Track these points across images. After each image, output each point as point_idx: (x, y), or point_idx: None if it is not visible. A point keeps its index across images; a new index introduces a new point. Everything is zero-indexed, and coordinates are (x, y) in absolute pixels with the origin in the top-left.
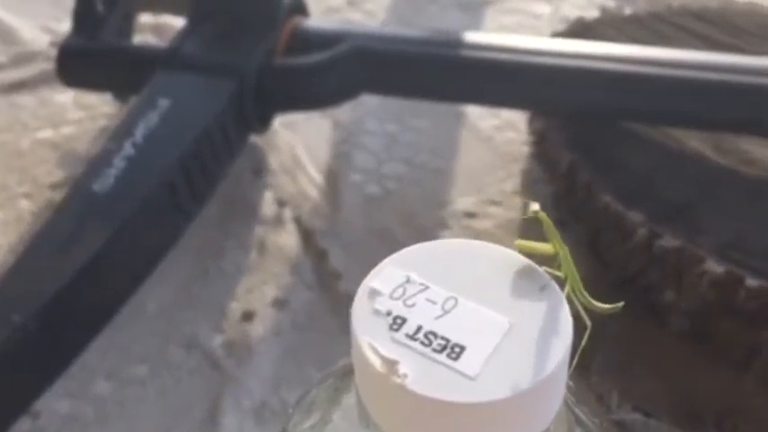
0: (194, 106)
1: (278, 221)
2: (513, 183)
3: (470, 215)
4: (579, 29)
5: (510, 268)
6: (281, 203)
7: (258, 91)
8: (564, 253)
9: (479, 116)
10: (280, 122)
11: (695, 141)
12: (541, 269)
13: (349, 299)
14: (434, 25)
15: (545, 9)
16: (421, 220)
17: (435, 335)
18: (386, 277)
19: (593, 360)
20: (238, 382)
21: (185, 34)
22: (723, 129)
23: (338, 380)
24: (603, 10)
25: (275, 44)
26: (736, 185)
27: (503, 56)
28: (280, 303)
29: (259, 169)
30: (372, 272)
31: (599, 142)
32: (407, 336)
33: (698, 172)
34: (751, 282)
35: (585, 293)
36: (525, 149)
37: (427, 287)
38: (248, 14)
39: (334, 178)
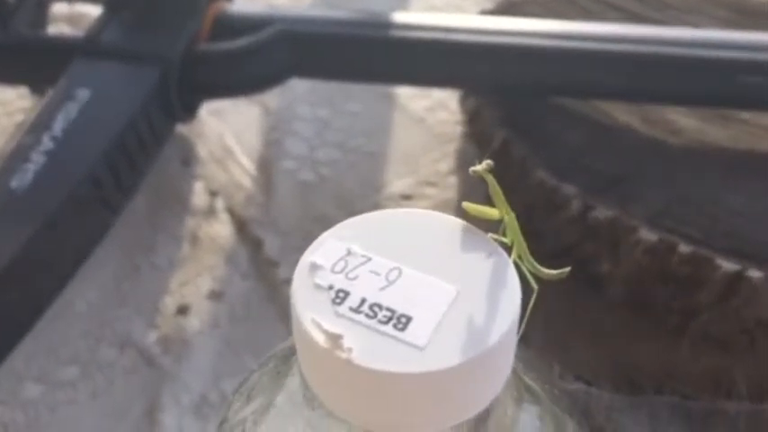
0: (116, 96)
1: (210, 212)
2: (447, 163)
3: (407, 197)
4: (506, 6)
5: (454, 236)
6: (213, 193)
7: (183, 78)
8: (510, 218)
9: (411, 97)
10: (206, 110)
11: (623, 114)
12: (487, 235)
13: (287, 287)
14: (362, 7)
15: None
16: (357, 205)
17: (380, 306)
18: (326, 251)
19: (532, 333)
20: (176, 378)
21: (103, 22)
22: (648, 100)
23: (280, 363)
24: None
25: (198, 30)
26: (664, 155)
27: (433, 35)
28: (216, 295)
29: (187, 159)
30: (311, 246)
31: (531, 118)
32: (351, 309)
33: (627, 144)
34: (683, 248)
35: (532, 259)
36: (458, 129)
37: (370, 259)
38: (167, 0)
39: (266, 166)
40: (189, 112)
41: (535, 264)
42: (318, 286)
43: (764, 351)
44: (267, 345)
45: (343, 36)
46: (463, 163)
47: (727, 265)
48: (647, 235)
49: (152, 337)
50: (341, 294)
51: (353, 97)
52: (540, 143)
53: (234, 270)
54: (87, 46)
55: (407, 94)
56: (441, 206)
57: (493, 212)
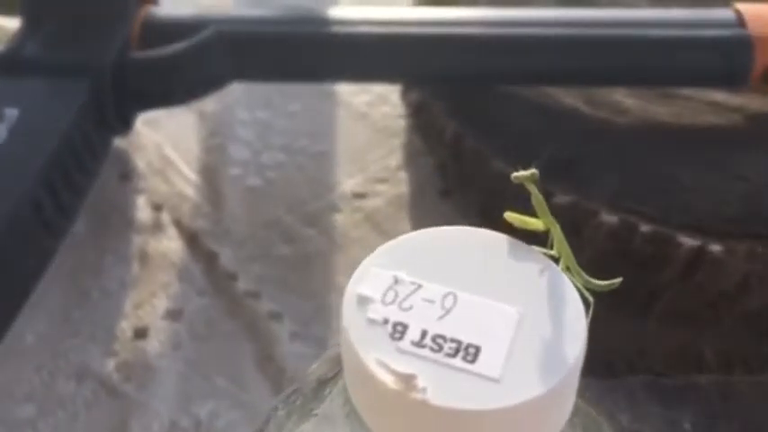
0: (47, 113)
1: (156, 227)
2: (395, 158)
3: (359, 195)
4: None
5: (502, 252)
6: (157, 207)
7: (115, 89)
8: (556, 229)
9: (351, 93)
10: (141, 120)
11: (569, 98)
12: (533, 248)
13: (248, 299)
14: (290, 4)
15: None
16: (310, 207)
17: (444, 338)
18: (372, 281)
19: None
20: (143, 405)
21: (24, 35)
22: (593, 83)
23: (309, 399)
24: None
25: (128, 37)
26: (613, 136)
27: (372, 29)
28: (174, 314)
29: (126, 173)
30: (354, 276)
31: (479, 108)
32: (413, 343)
33: (577, 127)
34: (644, 227)
35: (581, 271)
36: (402, 123)
37: (420, 285)
38: (92, 7)
39: (210, 174)
40: (124, 124)
41: (585, 275)
42: (372, 321)
43: (729, 322)
44: (234, 362)
45: (283, 35)
46: (411, 157)
47: (689, 242)
48: (608, 218)
49: (111, 364)
50: (399, 328)
51: (293, 97)
52: (492, 132)
53: (189, 286)
54: (8, 62)
55: (348, 91)
56: (394, 202)
57: (537, 223)
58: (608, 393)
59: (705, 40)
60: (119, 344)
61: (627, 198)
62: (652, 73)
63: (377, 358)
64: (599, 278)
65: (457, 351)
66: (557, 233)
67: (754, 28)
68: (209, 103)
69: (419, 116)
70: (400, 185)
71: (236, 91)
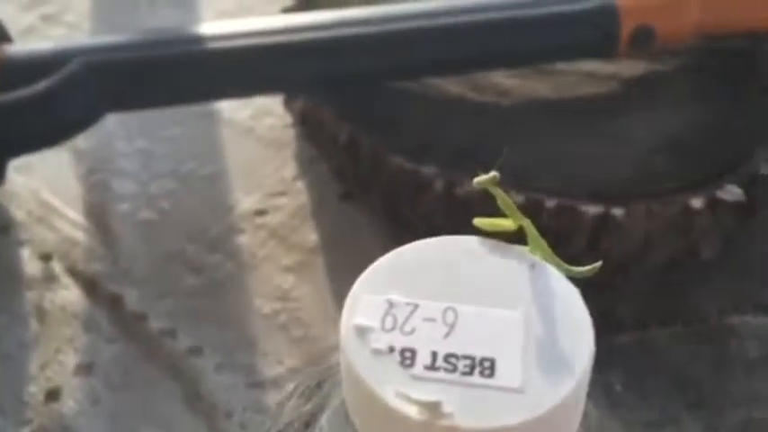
0: None
1: (49, 279)
2: (290, 169)
3: (260, 212)
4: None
5: (486, 255)
6: (46, 258)
7: None
8: (527, 224)
9: (232, 109)
10: (13, 168)
11: (454, 86)
12: (514, 246)
13: (162, 337)
14: (147, 25)
15: None
16: (211, 232)
17: (456, 356)
18: (366, 308)
19: None
20: None
21: None
22: (472, 69)
23: None
24: None
25: None
26: (502, 118)
27: (248, 42)
28: (85, 369)
29: (4, 226)
30: (346, 307)
31: (368, 108)
32: (427, 368)
33: (467, 114)
34: (549, 202)
35: (559, 260)
36: (291, 132)
37: (417, 305)
38: None
39: (97, 214)
40: None
41: (563, 264)
42: (377, 351)
43: (639, 281)
44: (161, 408)
45: (155, 59)
46: (306, 165)
47: (592, 209)
48: (515, 197)
49: None
50: (407, 354)
51: (172, 120)
52: (387, 130)
53: (97, 336)
54: None
55: (228, 108)
56: (297, 213)
57: (507, 223)
58: None
59: (574, 13)
60: (31, 410)
61: (527, 176)
62: (527, 52)
63: (395, 390)
64: None
65: (472, 368)
66: (530, 229)
67: None
68: (83, 140)
69: (308, 123)
70: (300, 196)
71: (110, 122)
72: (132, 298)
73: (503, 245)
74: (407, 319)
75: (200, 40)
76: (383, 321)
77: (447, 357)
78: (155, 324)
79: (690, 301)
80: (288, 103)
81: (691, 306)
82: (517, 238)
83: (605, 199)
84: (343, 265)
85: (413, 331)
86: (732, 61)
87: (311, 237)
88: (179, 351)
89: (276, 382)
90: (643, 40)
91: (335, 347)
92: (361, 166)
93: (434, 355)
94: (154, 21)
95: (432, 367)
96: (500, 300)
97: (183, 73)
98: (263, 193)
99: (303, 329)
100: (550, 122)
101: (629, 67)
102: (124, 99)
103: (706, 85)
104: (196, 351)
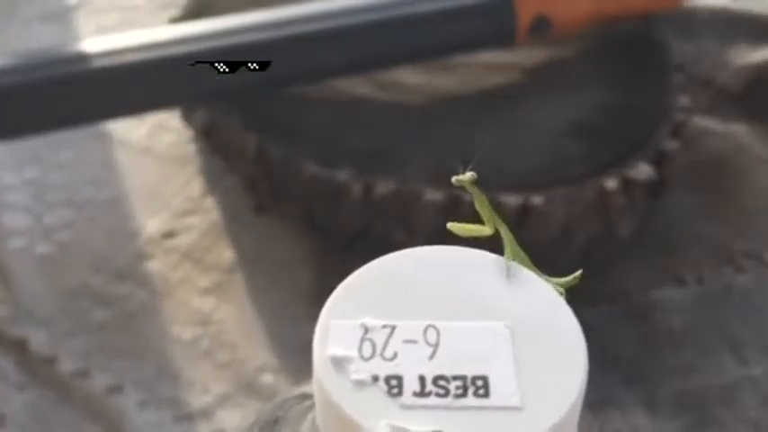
0: None
1: None
2: (196, 186)
3: (168, 235)
4: (197, 8)
5: (458, 265)
6: None
7: None
8: (505, 229)
9: (126, 129)
10: None
11: (359, 87)
12: (488, 253)
13: (76, 379)
14: (25, 46)
15: (139, 1)
16: (117, 261)
17: (446, 378)
18: (339, 336)
19: None
20: None
21: None
22: (375, 67)
23: None
24: None
25: None
26: (410, 116)
27: (134, 56)
28: None
29: None
30: (317, 336)
31: (274, 116)
32: (416, 394)
33: (375, 114)
34: (467, 197)
35: (537, 270)
36: (192, 147)
37: (394, 327)
38: None
39: None
40: None
41: (541, 274)
42: (360, 383)
43: (562, 266)
44: None
45: (37, 82)
46: (213, 180)
47: (512, 200)
48: (433, 195)
49: None
50: (393, 382)
51: (61, 145)
52: (297, 137)
53: (4, 385)
54: None
55: (121, 128)
56: (211, 231)
57: (483, 229)
58: None
59: (470, 5)
60: None
61: (444, 172)
62: (427, 48)
63: (387, 424)
64: None
65: (465, 388)
66: (507, 235)
67: None
68: None
69: (212, 136)
70: (210, 213)
71: None
72: (39, 340)
73: (472, 251)
74: (386, 343)
75: (83, 58)
76: (360, 349)
77: (436, 380)
78: (66, 365)
79: (613, 280)
80: (186, 117)
81: (614, 285)
82: (476, 242)
83: (523, 188)
84: (265, 282)
85: (395, 356)
86: (630, 42)
87: (227, 255)
88: (96, 391)
89: (206, 412)
90: (540, 29)
91: (265, 368)
92: (272, 176)
93: (422, 379)
94: (29, 39)
95: (422, 393)
96: (481, 312)
97: (69, 95)
98: (169, 213)
99: (229, 353)
100: (459, 116)
101: (531, 56)
102: (5, 128)
103: (607, 68)
104: (115, 389)
